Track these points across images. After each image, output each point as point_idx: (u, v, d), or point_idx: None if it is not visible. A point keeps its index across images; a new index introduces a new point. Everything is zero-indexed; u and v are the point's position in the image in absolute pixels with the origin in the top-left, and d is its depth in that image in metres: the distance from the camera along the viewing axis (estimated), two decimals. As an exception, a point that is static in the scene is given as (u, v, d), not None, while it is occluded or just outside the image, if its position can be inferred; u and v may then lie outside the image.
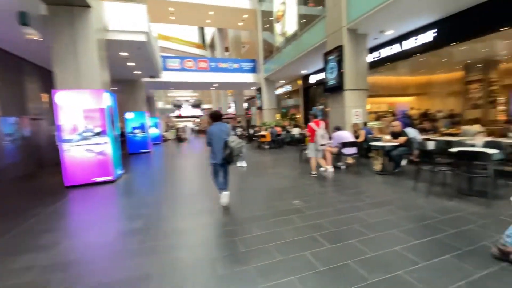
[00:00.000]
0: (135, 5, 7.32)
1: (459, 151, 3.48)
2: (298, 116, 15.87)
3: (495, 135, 6.02)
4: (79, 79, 5.81)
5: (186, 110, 35.13)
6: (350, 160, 6.49)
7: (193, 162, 9.70)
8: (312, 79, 13.84)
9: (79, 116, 5.73)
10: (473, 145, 4.49)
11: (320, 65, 12.14)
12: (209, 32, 30.52)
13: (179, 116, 33.97)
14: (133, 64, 10.01)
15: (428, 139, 6.01)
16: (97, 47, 5.97)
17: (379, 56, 9.36)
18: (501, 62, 9.90)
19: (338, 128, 6.34)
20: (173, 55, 20.86)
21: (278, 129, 12.30)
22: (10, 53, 7.75)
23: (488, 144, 4.30)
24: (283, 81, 16.73)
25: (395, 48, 8.62)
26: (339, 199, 3.98)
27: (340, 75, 7.88)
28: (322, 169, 6.16)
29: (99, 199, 4.94)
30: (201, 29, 34.08)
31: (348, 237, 2.70)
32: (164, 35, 27.18)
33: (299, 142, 13.37)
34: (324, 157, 5.95)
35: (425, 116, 11.69)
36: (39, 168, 8.64)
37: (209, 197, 4.51)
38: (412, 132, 5.70)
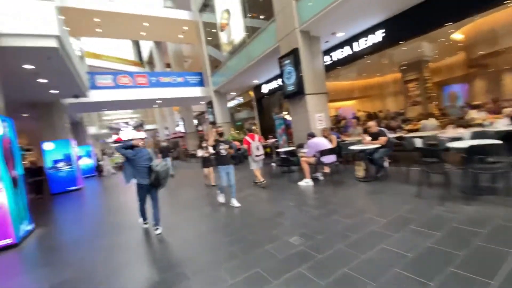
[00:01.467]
0: (39, 1, 5.53)
1: (470, 146, 2.98)
2: (254, 127, 15.16)
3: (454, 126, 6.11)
4: None
5: (127, 134, 31.29)
6: (326, 169, 5.82)
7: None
8: (265, 89, 13.36)
9: None
10: (459, 138, 4.22)
11: (272, 74, 11.74)
12: (146, 47, 28.17)
13: (119, 141, 29.97)
14: (46, 80, 7.81)
15: (400, 137, 5.78)
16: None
17: (331, 60, 9.30)
18: (431, 62, 10.95)
19: (312, 135, 5.63)
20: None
21: (237, 143, 11.26)
22: None
23: (476, 136, 4.05)
24: (234, 93, 15.94)
25: (346, 51, 8.63)
26: (343, 225, 3.10)
27: (299, 79, 7.37)
28: (301, 183, 5.42)
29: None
30: (137, 44, 31.39)
31: (401, 295, 1.78)
32: (93, 53, 24.05)
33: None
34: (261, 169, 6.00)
35: (372, 117, 12.25)
36: None
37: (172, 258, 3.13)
38: (386, 132, 5.34)
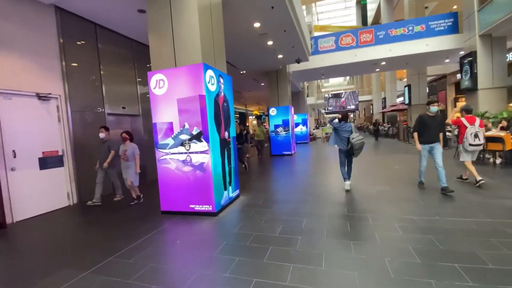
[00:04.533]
0: None
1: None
2: None
3: None
4: (174, 55, 3.90)
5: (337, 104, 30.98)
6: None
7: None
8: None
9: (174, 109, 3.80)
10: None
11: None
12: (372, 9, 24.54)
13: (338, 112, 30.16)
14: (272, 42, 7.73)
15: None
16: (200, 11, 3.82)
17: None
18: None
19: None
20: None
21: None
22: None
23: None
24: (528, 34, 8.89)
25: None
26: None
27: None
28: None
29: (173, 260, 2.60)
30: (362, 9, 28.60)
31: None
32: (319, 26, 24.63)
33: None
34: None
35: None
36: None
37: None
38: None
